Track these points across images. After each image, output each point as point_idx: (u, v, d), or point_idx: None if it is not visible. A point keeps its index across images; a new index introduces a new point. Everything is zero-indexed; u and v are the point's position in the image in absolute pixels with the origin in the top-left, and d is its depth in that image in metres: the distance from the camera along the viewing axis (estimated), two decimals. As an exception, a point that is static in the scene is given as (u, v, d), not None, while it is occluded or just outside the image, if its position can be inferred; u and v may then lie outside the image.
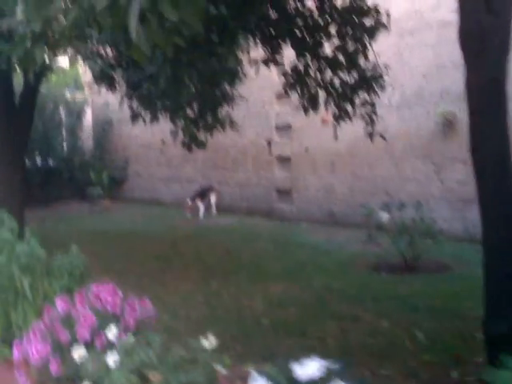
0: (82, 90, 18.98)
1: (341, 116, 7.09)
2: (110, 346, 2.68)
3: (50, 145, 17.15)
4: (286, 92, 7.07)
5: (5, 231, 3.88)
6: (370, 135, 7.19)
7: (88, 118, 18.41)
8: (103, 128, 17.92)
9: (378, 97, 7.14)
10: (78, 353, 2.65)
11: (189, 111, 7.67)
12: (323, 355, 5.42)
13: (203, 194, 14.26)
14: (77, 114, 18.04)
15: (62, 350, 2.72)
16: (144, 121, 8.53)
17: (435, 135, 10.84)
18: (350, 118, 7.12)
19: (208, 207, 14.21)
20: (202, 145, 7.86)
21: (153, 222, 13.65)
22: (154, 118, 7.94)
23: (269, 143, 13.75)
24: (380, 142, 11.47)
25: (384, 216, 8.82)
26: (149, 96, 7.30)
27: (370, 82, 6.88)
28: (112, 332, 2.70)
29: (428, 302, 6.96)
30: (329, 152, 12.47)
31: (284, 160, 13.45)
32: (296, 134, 13.14)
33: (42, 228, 12.40)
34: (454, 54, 10.45)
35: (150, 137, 16.20)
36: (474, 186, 4.34)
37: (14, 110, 10.64)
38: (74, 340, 2.73)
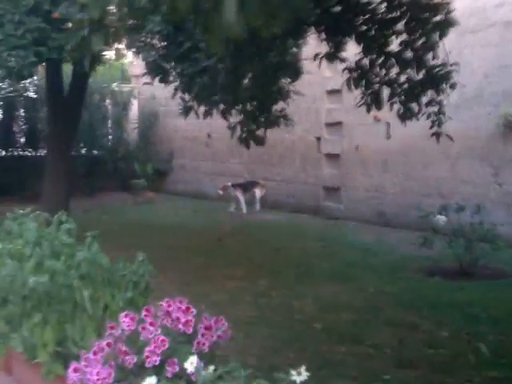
0: (128, 82, 18.94)
1: (406, 115, 6.72)
2: (183, 374, 2.31)
3: (95, 135, 17.11)
4: (349, 88, 6.71)
5: (63, 234, 3.58)
6: (437, 135, 6.81)
7: (134, 110, 18.32)
8: (149, 120, 17.79)
9: (447, 95, 6.75)
10: (148, 382, 2.27)
11: (247, 106, 7.42)
12: (380, 365, 5.11)
13: (246, 187, 13.97)
14: (123, 106, 17.95)
15: (127, 377, 2.37)
16: (197, 114, 8.27)
17: (495, 137, 10.39)
18: (416, 117, 6.75)
19: (252, 202, 13.94)
20: (260, 141, 7.57)
21: (197, 215, 13.44)
22: (208, 113, 7.66)
23: (318, 140, 13.43)
24: (435, 142, 11.12)
25: (441, 219, 8.43)
26: (204, 89, 7.03)
27: (438, 80, 6.49)
28: (190, 361, 2.29)
29: (489, 311, 6.57)
30: (380, 150, 12.09)
31: (333, 157, 13.12)
32: (347, 131, 12.79)
33: (86, 219, 12.32)
34: (517, 54, 10.11)
35: (196, 130, 16.02)
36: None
37: (63, 102, 10.53)
38: (142, 365, 2.37)
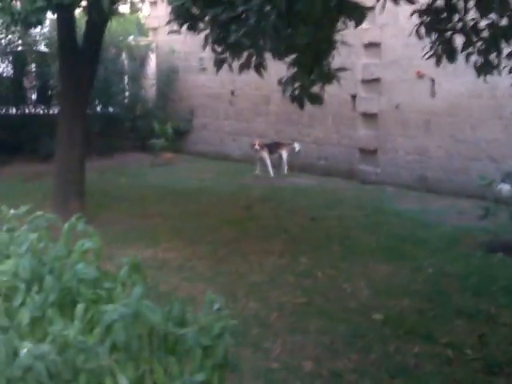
0: (146, 36, 17.87)
1: (485, 68, 5.64)
2: None
3: (110, 92, 16.02)
4: (418, 36, 5.63)
5: (81, 259, 2.17)
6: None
7: (152, 65, 17.22)
8: (168, 76, 16.71)
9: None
10: None
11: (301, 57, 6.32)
12: (465, 372, 4.16)
13: (272, 148, 12.92)
14: (140, 61, 16.85)
15: None
16: (230, 68, 7.21)
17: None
18: (494, 70, 5.68)
19: (279, 165, 12.93)
20: (317, 99, 6.48)
21: (220, 178, 12.43)
22: (246, 65, 6.56)
23: (353, 98, 12.35)
24: (487, 101, 10.07)
25: (505, 188, 7.45)
26: (246, 37, 5.92)
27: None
28: None
29: None
30: (424, 110, 11.02)
31: (370, 117, 12.05)
32: (385, 89, 11.71)
33: (102, 181, 11.41)
34: None
35: (219, 87, 14.95)
36: None
37: (77, 55, 9.49)
38: None
